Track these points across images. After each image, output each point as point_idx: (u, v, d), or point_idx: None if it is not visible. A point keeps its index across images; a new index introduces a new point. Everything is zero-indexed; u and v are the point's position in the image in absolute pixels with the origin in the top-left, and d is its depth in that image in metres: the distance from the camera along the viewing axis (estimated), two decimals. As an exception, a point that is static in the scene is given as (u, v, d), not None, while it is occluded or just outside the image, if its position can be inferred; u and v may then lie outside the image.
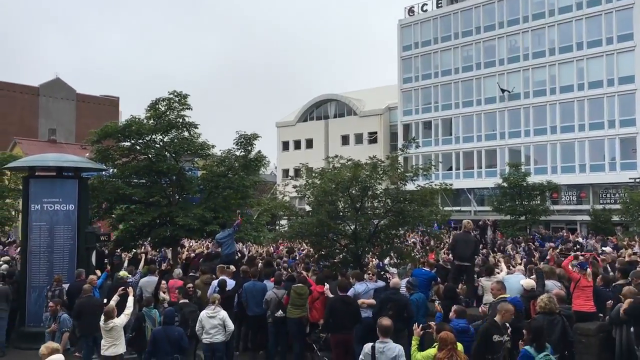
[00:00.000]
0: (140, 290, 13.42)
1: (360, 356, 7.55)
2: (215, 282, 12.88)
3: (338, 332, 10.09)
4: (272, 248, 25.58)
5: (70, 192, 14.63)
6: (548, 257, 15.55)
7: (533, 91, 47.01)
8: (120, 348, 9.79)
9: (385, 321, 7.55)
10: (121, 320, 9.90)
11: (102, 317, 9.78)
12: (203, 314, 10.17)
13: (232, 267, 13.24)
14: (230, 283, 12.44)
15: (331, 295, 10.95)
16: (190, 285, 12.24)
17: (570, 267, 10.49)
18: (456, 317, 8.92)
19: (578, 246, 23.14)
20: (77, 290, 13.10)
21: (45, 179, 15.02)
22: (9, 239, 31.31)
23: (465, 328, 8.82)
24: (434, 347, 7.32)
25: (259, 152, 19.09)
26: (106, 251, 18.83)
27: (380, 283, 11.84)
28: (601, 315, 10.09)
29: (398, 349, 7.41)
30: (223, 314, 10.19)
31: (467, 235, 12.29)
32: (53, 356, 6.84)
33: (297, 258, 20.42)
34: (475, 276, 12.70)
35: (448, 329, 7.39)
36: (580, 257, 12.18)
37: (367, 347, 7.49)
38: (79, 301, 11.79)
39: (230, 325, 10.21)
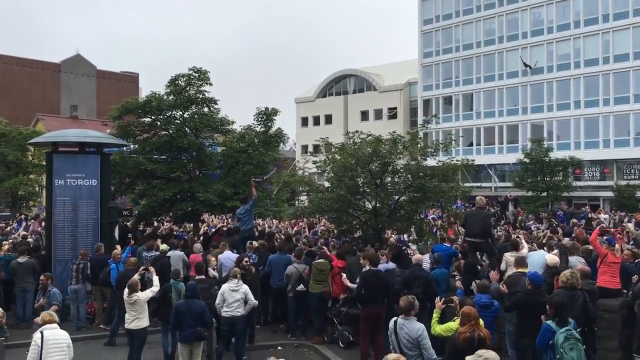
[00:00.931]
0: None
1: (388, 331, 7.60)
2: (223, 257, 13.04)
3: (369, 305, 10.03)
4: (291, 224, 25.65)
5: (92, 168, 14.82)
6: (574, 234, 15.35)
7: (557, 65, 46.05)
8: (144, 322, 9.94)
9: (404, 300, 7.51)
10: (145, 294, 10.03)
11: (126, 290, 9.92)
12: (225, 287, 10.24)
13: (255, 243, 13.35)
14: (253, 258, 12.59)
15: (350, 284, 10.97)
16: (246, 259, 12.27)
17: (598, 240, 10.35)
18: (478, 292, 8.91)
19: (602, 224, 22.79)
20: (97, 264, 13.38)
21: (68, 155, 15.23)
22: (40, 210, 31.80)
23: (488, 303, 8.82)
24: (454, 320, 7.31)
25: (279, 128, 19.10)
26: (129, 225, 19.11)
27: (391, 264, 11.80)
28: (625, 291, 9.98)
29: (419, 328, 7.31)
30: (245, 287, 10.27)
31: (478, 212, 12.24)
32: (47, 325, 7.43)
33: (318, 233, 20.49)
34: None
35: (470, 304, 7.38)
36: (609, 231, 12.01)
37: (391, 322, 7.51)
38: (121, 273, 12.01)
39: (252, 300, 10.28)
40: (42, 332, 7.43)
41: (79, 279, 13.28)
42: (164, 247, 13.86)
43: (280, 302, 12.94)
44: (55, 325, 7.65)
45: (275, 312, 13.27)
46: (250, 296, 10.25)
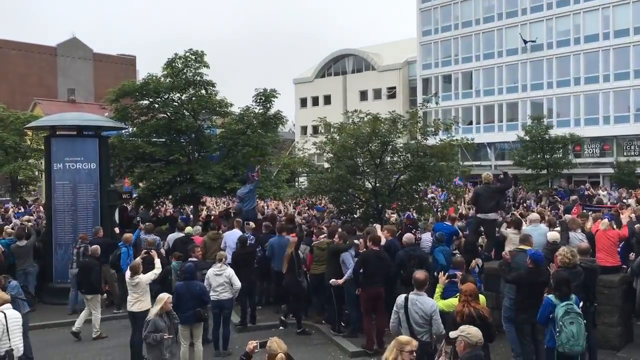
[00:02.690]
0: (168, 245, 13.66)
1: (394, 308, 7.49)
2: (224, 238, 13.04)
3: (370, 286, 9.95)
4: (292, 205, 25.67)
5: (91, 151, 14.80)
6: (573, 212, 15.36)
7: (556, 41, 45.73)
8: (146, 304, 9.94)
9: (420, 274, 7.49)
10: (147, 277, 10.02)
11: (128, 272, 9.95)
12: (210, 271, 10.19)
13: (252, 224, 13.30)
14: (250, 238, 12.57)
15: (341, 282, 10.70)
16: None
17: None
18: (452, 268, 8.97)
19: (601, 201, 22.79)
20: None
21: (66, 138, 15.19)
22: (38, 195, 31.86)
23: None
24: (456, 297, 7.33)
25: (278, 110, 19.03)
26: (129, 208, 19.12)
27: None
28: (624, 267, 10.01)
29: (432, 303, 7.31)
30: (229, 271, 10.19)
31: (488, 187, 12.07)
32: (5, 305, 8.00)
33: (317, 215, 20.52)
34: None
35: (472, 280, 7.40)
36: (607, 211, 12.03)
37: (401, 298, 7.44)
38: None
39: (237, 283, 10.13)
40: (3, 312, 7.85)
41: (79, 262, 13.30)
42: (189, 229, 13.80)
43: (281, 284, 12.97)
44: (9, 305, 8.11)
45: (276, 294, 13.29)
46: (235, 280, 10.12)
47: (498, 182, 12.98)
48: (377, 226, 12.38)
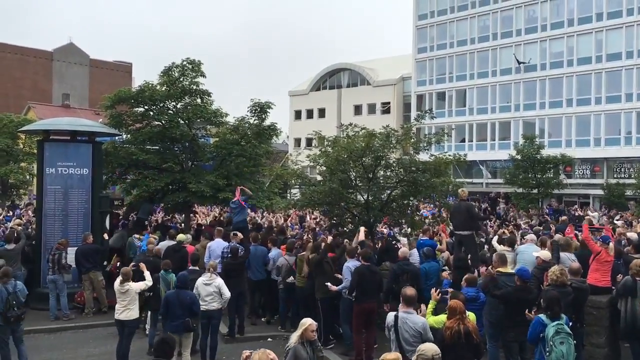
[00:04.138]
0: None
1: (386, 324, 7.51)
2: (210, 247, 13.02)
3: (364, 301, 9.96)
4: (283, 217, 25.64)
5: (84, 157, 14.77)
6: (567, 232, 15.46)
7: (550, 63, 46.20)
8: (134, 313, 9.90)
9: (410, 291, 7.51)
10: (137, 286, 9.99)
11: (119, 279, 9.90)
12: (199, 281, 10.15)
13: (239, 234, 13.25)
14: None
15: (336, 288, 10.65)
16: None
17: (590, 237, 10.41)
18: (467, 286, 8.98)
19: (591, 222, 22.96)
20: (84, 253, 13.36)
21: (59, 143, 15.13)
22: (29, 199, 31.60)
23: (474, 296, 8.89)
24: (445, 313, 7.36)
25: (273, 122, 19.14)
26: (120, 215, 19.06)
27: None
28: (613, 288, 10.07)
29: (423, 321, 7.33)
30: (219, 281, 10.17)
31: (459, 204, 12.22)
32: None
33: (305, 228, 20.55)
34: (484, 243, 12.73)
35: (462, 298, 7.42)
36: (604, 232, 12.09)
37: (390, 316, 7.44)
38: (145, 260, 12.04)
39: (227, 293, 10.11)
40: None
41: (54, 269, 13.19)
42: (181, 236, 13.74)
43: (257, 294, 12.95)
44: None
45: (265, 305, 13.25)
46: (224, 290, 10.10)
47: (489, 200, 13.08)
48: (362, 229, 12.37)
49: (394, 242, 14.71)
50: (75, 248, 13.77)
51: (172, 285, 10.65)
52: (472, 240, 12.04)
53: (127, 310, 9.81)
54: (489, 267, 10.76)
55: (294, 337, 6.61)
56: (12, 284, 9.48)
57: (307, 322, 6.70)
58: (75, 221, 14.56)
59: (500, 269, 9.15)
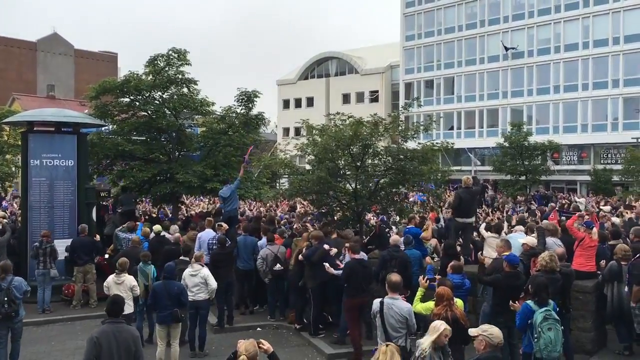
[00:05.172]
0: None
1: (372, 312, 7.52)
2: (200, 238, 12.99)
3: (356, 295, 9.85)
4: (273, 206, 25.60)
5: (69, 148, 14.60)
6: (550, 218, 15.55)
7: (537, 49, 46.37)
8: (128, 308, 9.74)
9: (395, 277, 7.51)
10: (133, 280, 9.88)
11: (116, 270, 9.81)
12: (186, 272, 10.09)
13: (225, 225, 13.16)
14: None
15: (334, 272, 10.51)
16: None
17: (575, 225, 10.46)
18: (452, 272, 9.01)
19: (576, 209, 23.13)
20: (81, 245, 13.25)
21: (44, 134, 14.95)
22: (12, 193, 31.34)
23: (460, 283, 8.92)
24: (434, 300, 7.38)
25: (260, 112, 19.02)
26: (110, 207, 18.92)
27: (363, 254, 11.73)
28: (598, 272, 10.16)
29: (408, 306, 7.34)
30: (205, 271, 10.10)
31: (469, 191, 12.12)
32: None
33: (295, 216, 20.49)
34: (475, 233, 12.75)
35: (449, 285, 7.43)
36: (586, 217, 12.15)
37: (376, 303, 7.43)
38: (124, 251, 12.08)
39: (213, 283, 10.05)
40: None
41: (46, 262, 12.95)
42: (157, 227, 13.62)
43: (246, 284, 12.94)
44: None
45: (253, 295, 13.21)
46: (210, 280, 10.04)
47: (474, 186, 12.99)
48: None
49: (387, 230, 14.71)
50: (68, 240, 13.69)
51: (149, 277, 10.56)
52: (472, 229, 12.02)
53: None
54: (479, 253, 10.88)
55: (427, 343, 5.98)
56: (8, 280, 9.27)
57: (440, 326, 6.09)
58: (61, 213, 14.42)
59: (505, 253, 9.14)
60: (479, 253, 11.21)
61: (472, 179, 12.32)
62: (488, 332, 5.67)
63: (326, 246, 10.81)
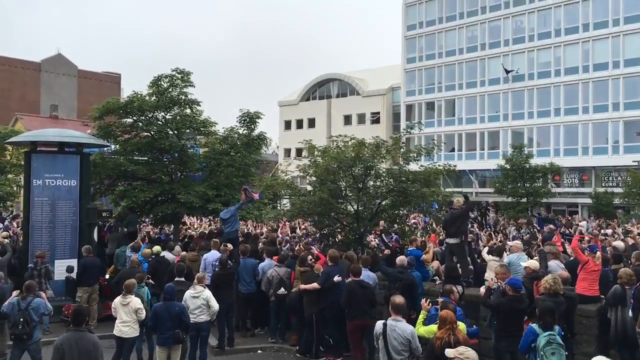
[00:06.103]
0: None
1: (374, 333, 7.48)
2: (205, 259, 12.93)
3: (356, 317, 9.82)
4: (274, 227, 25.54)
5: (72, 168, 14.64)
6: (554, 240, 15.50)
7: (537, 72, 46.62)
8: (134, 331, 9.64)
9: (398, 299, 7.49)
10: (138, 302, 9.75)
11: (123, 291, 9.74)
12: (187, 293, 10.01)
13: (230, 245, 13.17)
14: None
15: (310, 287, 10.63)
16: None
17: (579, 246, 10.41)
18: (442, 295, 8.97)
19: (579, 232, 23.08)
20: (86, 266, 13.22)
21: (47, 154, 14.99)
22: (14, 213, 31.29)
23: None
24: (436, 323, 7.33)
25: (262, 132, 19.13)
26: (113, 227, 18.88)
27: (368, 273, 11.62)
28: (602, 297, 10.10)
29: (411, 329, 7.31)
30: (207, 293, 10.04)
31: (452, 212, 12.20)
32: None
33: (296, 237, 20.45)
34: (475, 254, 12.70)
35: (451, 308, 7.40)
36: (587, 238, 12.12)
37: (379, 324, 7.41)
38: (122, 271, 12.20)
39: (215, 305, 10.01)
40: None
41: (41, 284, 12.79)
42: (156, 248, 13.61)
43: (249, 307, 12.85)
44: None
45: (253, 317, 13.10)
46: (213, 302, 10.00)
47: (479, 210, 13.07)
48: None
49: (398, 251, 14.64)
50: (68, 260, 13.69)
51: (143, 300, 10.37)
52: (462, 249, 11.96)
53: (128, 326, 9.53)
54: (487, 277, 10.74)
55: None
56: (27, 301, 9.18)
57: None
58: (62, 233, 14.41)
59: (508, 278, 9.06)
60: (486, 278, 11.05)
61: (463, 198, 12.27)
62: (465, 354, 5.71)
63: (336, 278, 10.73)
